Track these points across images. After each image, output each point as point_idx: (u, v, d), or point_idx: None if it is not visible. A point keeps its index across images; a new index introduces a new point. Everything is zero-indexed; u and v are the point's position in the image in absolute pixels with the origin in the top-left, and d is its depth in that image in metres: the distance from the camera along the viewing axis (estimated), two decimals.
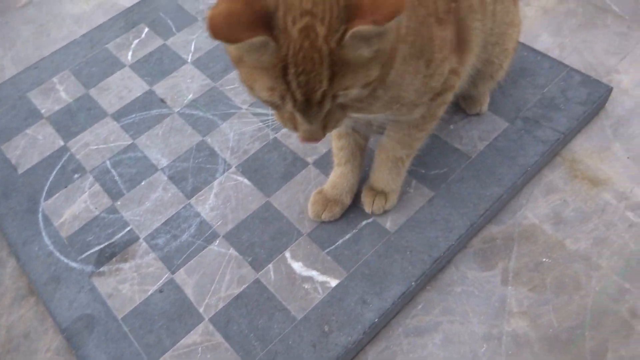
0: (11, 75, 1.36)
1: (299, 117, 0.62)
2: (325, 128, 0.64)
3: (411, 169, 1.04)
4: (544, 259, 0.97)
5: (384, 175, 0.96)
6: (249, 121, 1.18)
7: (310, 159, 1.10)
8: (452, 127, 1.10)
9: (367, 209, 0.99)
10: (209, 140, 1.15)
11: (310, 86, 0.56)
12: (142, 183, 1.11)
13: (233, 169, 1.10)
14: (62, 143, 1.19)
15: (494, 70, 0.97)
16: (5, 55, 1.43)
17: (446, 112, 1.12)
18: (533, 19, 1.30)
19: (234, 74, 1.27)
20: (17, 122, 1.24)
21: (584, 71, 1.16)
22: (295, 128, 0.64)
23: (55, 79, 1.31)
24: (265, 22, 0.53)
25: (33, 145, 1.20)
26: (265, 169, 1.09)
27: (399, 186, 0.99)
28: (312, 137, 0.64)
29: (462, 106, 1.10)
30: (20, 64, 1.40)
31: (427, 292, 0.95)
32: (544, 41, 1.25)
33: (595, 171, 1.05)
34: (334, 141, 0.97)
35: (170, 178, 1.11)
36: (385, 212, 0.99)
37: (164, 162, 1.13)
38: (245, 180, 1.08)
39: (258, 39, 0.53)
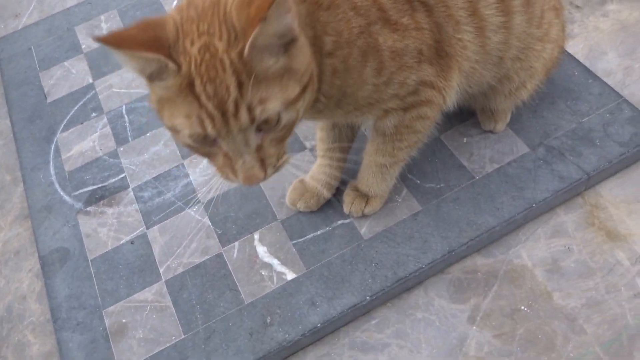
0: (69, 6, 1.43)
1: (229, 150, 0.60)
2: (263, 163, 0.62)
3: (407, 176, 0.97)
4: (523, 307, 0.86)
5: (368, 178, 0.90)
6: None
7: (308, 144, 1.05)
8: (465, 140, 1.00)
9: (345, 208, 0.94)
10: None
11: (219, 95, 0.56)
12: (148, 134, 1.13)
13: None
14: (90, 81, 1.24)
15: (512, 87, 0.85)
16: None
17: (464, 123, 1.02)
18: (605, 33, 1.12)
19: None
20: (59, 53, 1.31)
21: None
22: (233, 171, 0.63)
23: (102, 17, 1.36)
24: (159, 47, 0.56)
25: (66, 77, 1.26)
26: None
27: (385, 192, 0.93)
28: (251, 174, 0.63)
29: (479, 119, 0.99)
30: None
31: (386, 308, 0.89)
32: (608, 61, 1.07)
33: (618, 223, 0.91)
34: (317, 132, 0.92)
35: None
36: (364, 215, 0.94)
37: None
38: None
39: (153, 55, 0.55)
